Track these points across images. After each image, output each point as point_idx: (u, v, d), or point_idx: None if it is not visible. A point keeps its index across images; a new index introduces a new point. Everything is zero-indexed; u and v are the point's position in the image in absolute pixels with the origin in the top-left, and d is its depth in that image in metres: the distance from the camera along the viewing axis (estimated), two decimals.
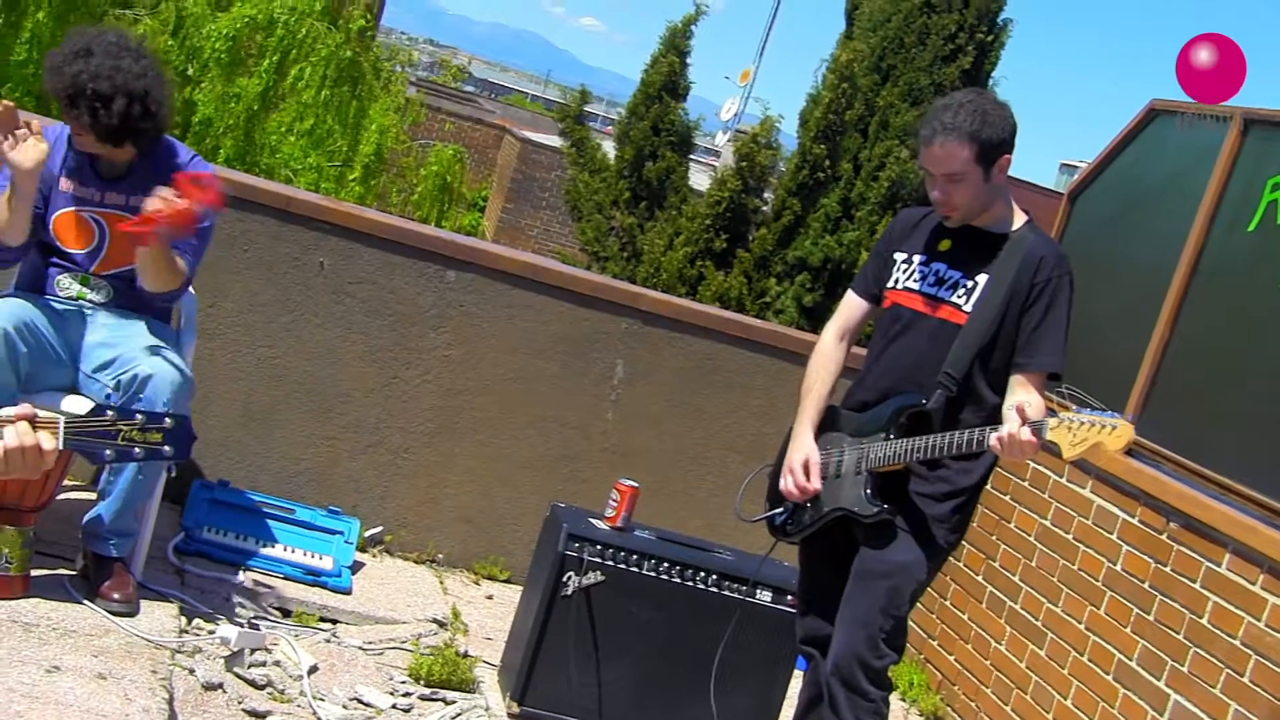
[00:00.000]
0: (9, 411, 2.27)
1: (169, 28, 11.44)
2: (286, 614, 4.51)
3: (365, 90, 12.63)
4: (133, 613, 3.87)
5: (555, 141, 17.45)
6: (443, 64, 41.50)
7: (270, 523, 4.87)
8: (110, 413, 2.29)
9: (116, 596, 3.85)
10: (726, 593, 4.34)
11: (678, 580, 4.31)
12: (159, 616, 3.95)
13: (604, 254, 11.75)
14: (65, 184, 4.00)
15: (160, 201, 3.65)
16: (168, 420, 2.31)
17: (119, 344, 3.95)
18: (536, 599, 4.25)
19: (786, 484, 3.68)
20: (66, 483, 4.41)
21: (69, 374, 3.98)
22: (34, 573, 3.82)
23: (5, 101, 3.71)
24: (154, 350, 3.91)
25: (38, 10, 11.32)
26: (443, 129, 19.25)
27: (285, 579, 4.68)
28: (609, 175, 11.92)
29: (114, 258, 4.01)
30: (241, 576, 4.58)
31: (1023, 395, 3.44)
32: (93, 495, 4.12)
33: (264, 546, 4.76)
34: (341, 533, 4.96)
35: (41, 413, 2.28)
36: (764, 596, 4.36)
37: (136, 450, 2.30)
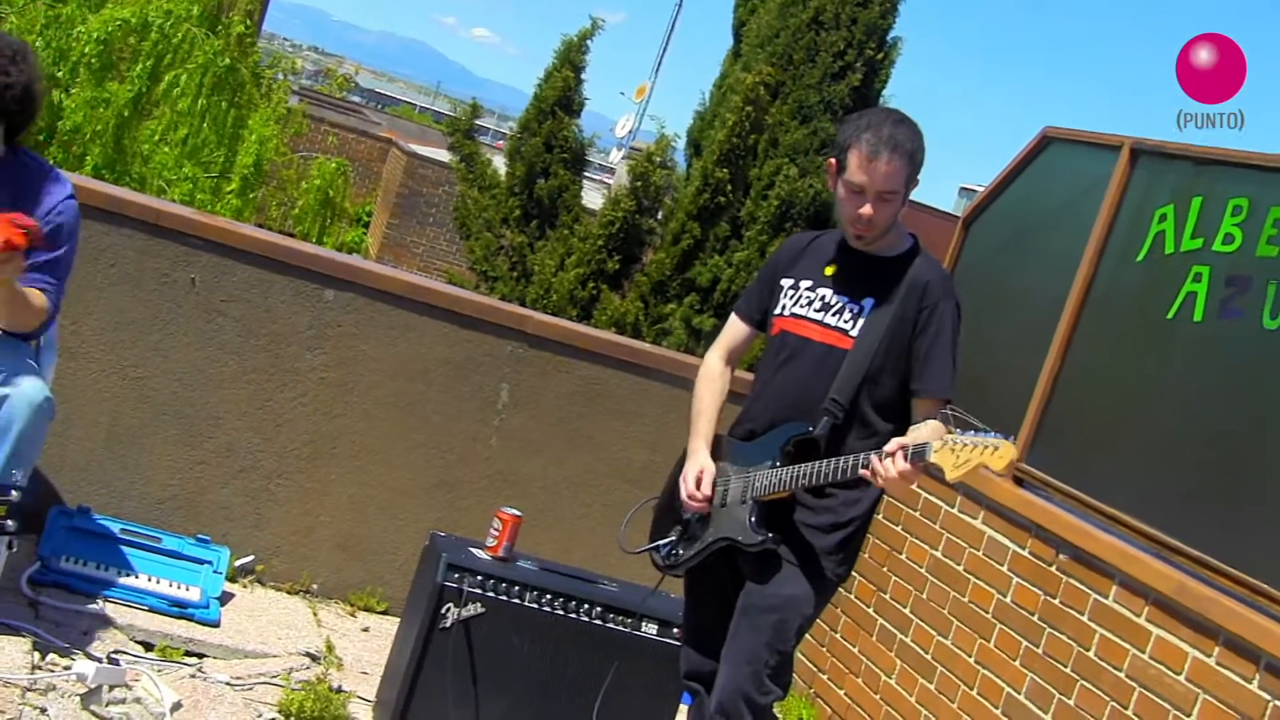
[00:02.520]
0: None
1: (36, 28, 11.01)
2: (149, 648, 4.30)
3: (244, 99, 12.25)
4: None
5: (443, 156, 17.22)
6: (328, 73, 40.86)
7: (134, 551, 4.64)
8: None
9: None
10: (610, 625, 4.25)
11: (560, 612, 4.21)
12: (10, 652, 3.75)
13: (493, 274, 11.55)
14: None
15: None
16: (13, 493, 2.12)
17: None
18: (414, 632, 4.12)
19: (682, 496, 3.60)
20: None
21: None
22: None
23: None
24: (12, 369, 3.70)
25: None
26: (325, 141, 18.84)
27: (149, 611, 4.46)
28: (499, 192, 11.73)
29: None
30: (101, 608, 4.35)
31: (920, 419, 3.40)
32: None
33: (126, 577, 4.54)
34: (210, 562, 4.76)
35: None
36: (649, 630, 4.28)
37: None
